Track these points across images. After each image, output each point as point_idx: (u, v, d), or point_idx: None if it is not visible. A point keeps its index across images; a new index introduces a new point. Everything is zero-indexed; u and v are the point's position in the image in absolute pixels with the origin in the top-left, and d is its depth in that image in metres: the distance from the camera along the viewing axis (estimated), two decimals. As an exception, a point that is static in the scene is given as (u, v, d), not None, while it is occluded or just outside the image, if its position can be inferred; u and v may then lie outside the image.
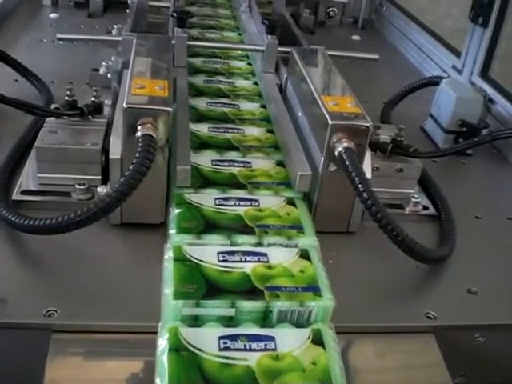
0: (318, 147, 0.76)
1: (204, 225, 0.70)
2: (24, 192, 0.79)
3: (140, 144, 0.66)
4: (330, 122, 0.72)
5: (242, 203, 0.74)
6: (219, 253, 0.65)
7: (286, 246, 0.69)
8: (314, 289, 0.63)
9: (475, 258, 0.80)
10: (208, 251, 0.65)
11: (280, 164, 0.82)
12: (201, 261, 0.64)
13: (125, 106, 0.69)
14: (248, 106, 0.95)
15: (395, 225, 0.68)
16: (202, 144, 0.84)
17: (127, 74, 0.80)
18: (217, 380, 0.54)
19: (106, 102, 0.89)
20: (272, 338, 0.58)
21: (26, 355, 0.65)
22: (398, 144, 0.85)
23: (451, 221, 0.84)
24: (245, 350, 0.57)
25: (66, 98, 0.84)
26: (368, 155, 0.75)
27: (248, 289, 0.62)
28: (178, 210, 0.71)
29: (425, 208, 0.86)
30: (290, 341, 0.58)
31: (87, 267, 0.71)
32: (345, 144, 0.71)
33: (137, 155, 0.65)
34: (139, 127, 0.68)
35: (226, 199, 0.74)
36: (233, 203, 0.73)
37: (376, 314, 0.69)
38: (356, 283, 0.73)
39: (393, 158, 0.86)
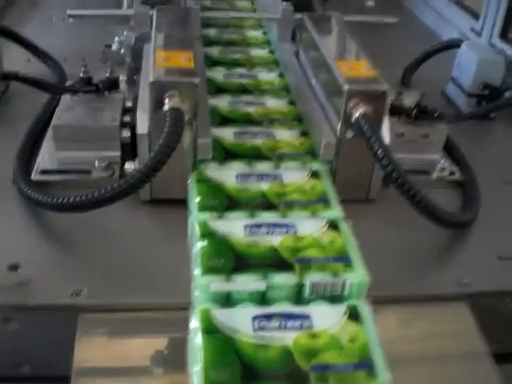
0: (335, 114, 0.74)
1: (227, 202, 0.68)
2: (43, 172, 0.78)
3: (168, 118, 0.65)
4: (345, 87, 0.70)
5: (265, 178, 0.71)
6: (246, 226, 0.64)
7: (314, 219, 0.67)
8: (344, 259, 0.61)
9: (503, 223, 0.79)
10: (234, 225, 0.64)
11: (304, 134, 0.80)
12: (227, 234, 0.62)
13: (151, 79, 0.67)
14: (266, 76, 0.93)
15: (416, 190, 0.66)
16: (223, 119, 0.81)
17: (149, 47, 0.79)
18: (254, 362, 0.52)
19: (120, 77, 0.87)
20: (307, 317, 0.56)
21: (53, 336, 0.64)
22: (423, 108, 0.83)
23: (474, 185, 0.82)
24: (280, 329, 0.55)
25: (81, 74, 0.83)
26: (387, 120, 0.73)
27: (277, 262, 0.60)
28: (198, 187, 0.69)
29: (451, 173, 0.84)
30: (326, 318, 0.56)
31: (115, 245, 0.70)
32: (362, 109, 0.69)
33: (165, 129, 0.64)
34: (166, 100, 0.66)
35: (247, 176, 0.72)
36: (255, 179, 0.71)
37: (405, 282, 0.68)
38: (382, 251, 0.70)
39: (417, 123, 0.83)
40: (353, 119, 0.69)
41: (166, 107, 0.66)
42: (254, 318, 0.55)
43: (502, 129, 1.01)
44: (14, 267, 0.65)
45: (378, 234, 0.74)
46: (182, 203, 0.73)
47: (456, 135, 0.91)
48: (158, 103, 0.67)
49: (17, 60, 1.05)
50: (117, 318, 0.62)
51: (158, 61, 0.71)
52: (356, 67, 0.74)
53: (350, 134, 0.72)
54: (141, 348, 0.61)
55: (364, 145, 0.68)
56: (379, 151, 0.65)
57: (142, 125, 0.71)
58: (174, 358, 0.58)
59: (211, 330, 0.54)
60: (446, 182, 0.84)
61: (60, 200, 0.66)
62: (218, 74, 0.92)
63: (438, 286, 0.68)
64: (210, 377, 0.50)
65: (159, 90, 0.67)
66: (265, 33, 1.10)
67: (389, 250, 0.72)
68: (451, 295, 0.67)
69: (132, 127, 0.76)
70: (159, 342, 0.61)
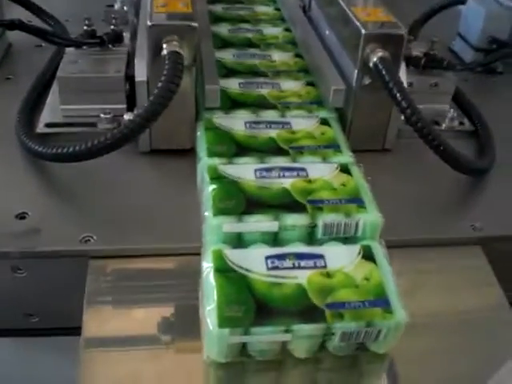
0: (351, 61, 0.73)
1: (235, 148, 0.67)
2: (48, 125, 0.76)
3: (167, 62, 0.63)
4: (363, 31, 0.69)
5: (273, 126, 0.71)
6: (256, 170, 0.63)
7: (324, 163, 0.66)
8: (357, 201, 0.60)
9: (515, 171, 0.78)
10: (244, 169, 0.63)
11: (310, 84, 0.79)
12: (238, 178, 0.62)
13: (149, 23, 0.66)
14: (271, 31, 0.92)
15: (436, 134, 0.65)
16: (228, 71, 0.80)
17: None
18: (268, 299, 0.51)
19: (124, 34, 0.86)
20: (321, 256, 0.56)
21: (63, 285, 0.63)
22: (432, 57, 0.82)
23: (489, 134, 0.81)
24: (294, 268, 0.54)
25: (85, 27, 0.81)
26: (403, 66, 0.72)
27: (289, 203, 0.59)
28: (207, 134, 0.68)
29: (461, 124, 0.83)
30: (340, 258, 0.56)
31: (119, 194, 0.69)
32: (380, 54, 0.68)
33: (164, 73, 0.63)
34: (164, 45, 0.65)
35: (256, 123, 0.71)
36: (264, 126, 0.70)
37: (420, 227, 0.68)
38: (397, 198, 0.71)
39: (426, 73, 0.83)
40: (370, 64, 0.68)
41: (165, 51, 0.65)
42: (267, 258, 0.55)
43: (508, 83, 1.00)
44: (21, 216, 0.64)
45: (394, 182, 0.74)
46: (182, 153, 0.73)
47: (463, 89, 0.90)
48: (156, 49, 0.66)
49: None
50: (128, 263, 0.61)
51: (155, 6, 0.70)
52: (373, 13, 0.73)
53: (367, 81, 0.71)
54: (155, 292, 0.60)
55: (380, 93, 0.68)
56: (398, 94, 0.65)
57: (141, 72, 0.69)
58: (191, 297, 0.57)
59: (224, 268, 0.53)
60: (456, 132, 0.83)
61: (60, 150, 0.64)
62: (223, 29, 0.91)
63: (452, 230, 0.68)
64: (223, 314, 0.50)
65: (157, 35, 0.66)
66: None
67: (404, 198, 0.71)
68: (465, 239, 0.67)
69: (131, 78, 0.75)
70: (174, 286, 0.61)
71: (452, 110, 0.83)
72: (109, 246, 0.62)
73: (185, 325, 0.57)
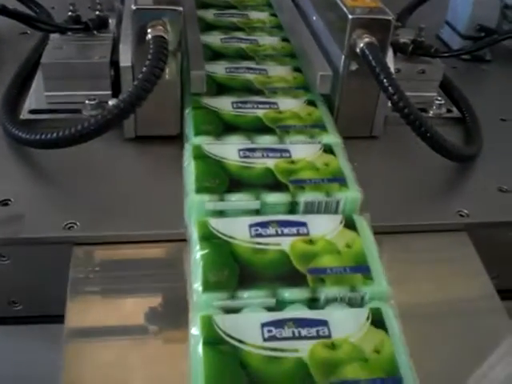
0: (338, 46, 0.72)
1: (222, 127, 0.67)
2: (32, 111, 0.76)
3: (151, 46, 0.63)
4: (349, 16, 0.68)
5: (260, 106, 0.71)
6: (240, 150, 0.63)
7: (309, 143, 0.66)
8: (339, 180, 0.61)
9: (503, 158, 0.78)
10: (228, 148, 0.63)
11: (297, 70, 0.79)
12: (222, 157, 0.62)
13: (133, 7, 0.65)
14: (257, 15, 0.92)
15: (423, 120, 0.65)
16: (214, 54, 0.80)
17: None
18: (251, 264, 0.52)
19: (110, 21, 0.85)
20: (304, 224, 0.56)
21: (48, 270, 0.63)
22: (419, 44, 0.82)
23: (476, 121, 0.81)
24: (277, 235, 0.55)
25: (69, 13, 0.80)
26: (391, 52, 0.72)
27: (271, 183, 0.60)
28: (194, 113, 0.68)
29: (448, 111, 0.83)
30: (322, 226, 0.57)
31: (103, 181, 0.68)
32: (366, 39, 0.67)
33: (149, 57, 0.62)
34: (149, 30, 0.64)
35: (243, 102, 0.71)
36: (251, 106, 0.71)
37: (406, 213, 0.67)
38: (384, 184, 0.70)
39: (414, 60, 0.82)
40: (357, 49, 0.68)
41: (149, 36, 0.64)
42: (251, 226, 0.56)
43: (496, 70, 1.00)
44: (4, 203, 0.63)
45: (381, 169, 0.74)
46: (168, 140, 0.72)
47: (451, 77, 0.89)
48: (140, 33, 0.65)
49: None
50: (112, 249, 0.61)
51: None
52: None
53: (354, 66, 0.71)
54: (139, 279, 0.60)
55: (367, 80, 0.68)
56: (385, 80, 0.64)
57: (125, 57, 0.68)
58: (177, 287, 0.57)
59: (209, 236, 0.54)
60: (443, 119, 0.83)
61: (43, 136, 0.63)
62: (209, 14, 0.90)
63: (438, 216, 0.67)
64: (207, 278, 0.50)
65: (142, 19, 0.65)
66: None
67: (391, 184, 0.71)
68: (451, 225, 0.67)
69: (115, 64, 0.74)
70: (159, 272, 0.61)
71: (440, 98, 0.83)
72: (93, 232, 0.61)
73: (170, 313, 0.56)
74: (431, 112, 0.82)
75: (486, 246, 0.66)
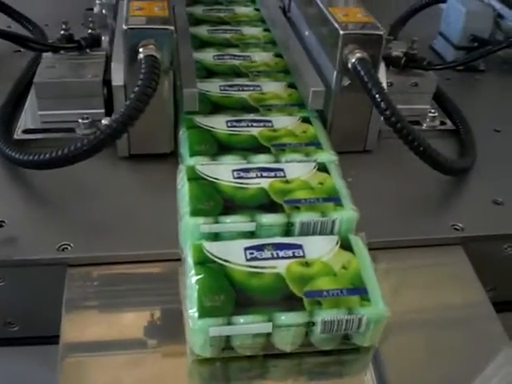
0: (330, 62, 0.72)
1: (217, 147, 0.67)
2: (26, 131, 0.76)
3: (143, 65, 0.63)
4: (341, 32, 0.69)
5: (255, 124, 0.71)
6: (234, 170, 0.63)
7: (304, 162, 0.66)
8: (334, 199, 0.61)
9: (497, 170, 0.78)
10: (222, 169, 0.63)
11: (291, 86, 0.79)
12: (215, 179, 0.62)
13: (124, 27, 0.65)
14: (251, 31, 0.92)
15: (416, 135, 0.65)
16: (208, 72, 0.80)
17: (123, 3, 0.77)
18: (247, 288, 0.52)
19: (103, 38, 0.85)
20: (299, 246, 0.56)
21: (43, 291, 0.63)
22: (412, 57, 0.82)
23: (470, 133, 0.81)
24: (273, 258, 0.55)
25: (62, 32, 0.80)
26: (383, 67, 0.72)
27: (266, 203, 0.60)
28: (189, 133, 0.68)
29: (442, 123, 0.83)
30: (318, 247, 0.57)
31: (97, 201, 0.68)
32: (358, 54, 0.68)
33: (141, 77, 0.62)
34: (141, 49, 0.64)
35: (238, 121, 0.71)
36: (245, 124, 0.70)
37: (401, 228, 0.67)
38: (378, 199, 0.70)
39: (407, 73, 0.82)
40: (349, 65, 0.68)
41: (141, 55, 0.64)
42: (246, 249, 0.55)
43: (490, 80, 1.00)
44: (-2, 224, 0.64)
45: (375, 183, 0.74)
46: (161, 158, 0.73)
47: (444, 87, 0.90)
48: (132, 53, 0.65)
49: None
50: (106, 270, 0.61)
51: (131, 10, 0.69)
52: (351, 14, 0.73)
53: (346, 82, 0.71)
54: (133, 299, 0.60)
55: (360, 94, 0.68)
56: (377, 96, 0.64)
57: (118, 76, 0.69)
58: (167, 320, 0.57)
59: (204, 260, 0.54)
60: (437, 131, 0.83)
61: (36, 156, 0.63)
62: (202, 30, 0.91)
63: (433, 231, 0.67)
64: (203, 304, 0.50)
65: (133, 38, 0.65)
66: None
67: (386, 199, 0.71)
68: (447, 239, 0.67)
69: (108, 83, 0.74)
70: (153, 291, 0.61)
71: (433, 110, 0.83)
72: (86, 253, 0.61)
73: (166, 330, 0.56)
74: (425, 124, 0.82)
75: (481, 259, 0.66)
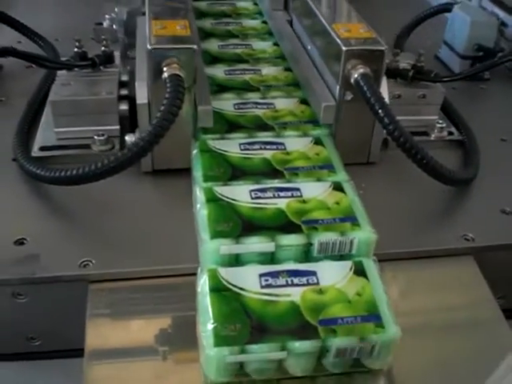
0: (333, 77, 0.74)
1: (231, 171, 0.68)
2: (43, 148, 0.77)
3: (168, 85, 0.64)
4: (343, 48, 0.70)
5: (267, 147, 0.71)
6: (251, 191, 0.64)
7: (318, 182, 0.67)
8: (351, 219, 0.61)
9: (504, 179, 0.79)
10: (239, 190, 0.64)
11: (304, 102, 0.80)
12: (233, 200, 0.63)
13: (149, 47, 0.67)
14: (260, 45, 0.93)
15: (419, 148, 0.66)
16: (220, 87, 0.82)
17: (143, 19, 0.78)
18: (262, 317, 0.53)
19: (115, 53, 0.87)
20: (313, 273, 0.57)
21: (64, 306, 0.64)
22: (419, 70, 0.83)
23: (474, 143, 0.82)
24: (287, 285, 0.55)
25: (76, 49, 0.82)
26: (385, 81, 0.73)
27: (284, 224, 0.61)
28: (202, 158, 0.69)
29: (450, 134, 0.85)
30: (332, 274, 0.57)
31: (119, 216, 0.69)
32: (361, 70, 0.69)
33: (166, 96, 0.64)
34: (165, 68, 0.66)
35: (251, 144, 0.72)
36: (258, 147, 0.71)
37: (412, 239, 0.68)
38: (387, 211, 0.72)
39: (414, 85, 0.84)
40: (352, 80, 0.69)
41: (165, 74, 0.66)
42: (261, 276, 0.56)
43: (495, 89, 1.02)
44: (20, 242, 0.65)
45: (382, 194, 0.75)
46: (183, 172, 0.74)
47: (450, 96, 0.91)
48: (156, 71, 0.67)
49: (7, 41, 1.03)
50: (128, 285, 0.62)
51: (154, 29, 0.71)
52: (353, 29, 0.74)
53: (349, 96, 0.72)
54: (155, 314, 0.61)
55: (363, 107, 0.69)
56: (380, 111, 0.66)
57: (142, 95, 0.70)
58: (184, 330, 0.58)
59: (219, 288, 0.55)
60: (445, 141, 0.84)
61: (64, 173, 0.65)
62: (212, 45, 0.92)
63: (444, 241, 0.68)
64: (219, 333, 0.51)
65: (158, 58, 0.67)
66: (255, 3, 1.09)
67: (393, 210, 0.72)
68: (457, 250, 0.68)
69: (130, 100, 0.76)
70: (174, 308, 0.62)
71: (441, 121, 0.84)
72: (108, 269, 0.62)
73: (186, 347, 0.57)
74: (433, 135, 0.84)
75: (492, 268, 0.67)
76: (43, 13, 1.23)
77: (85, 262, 0.62)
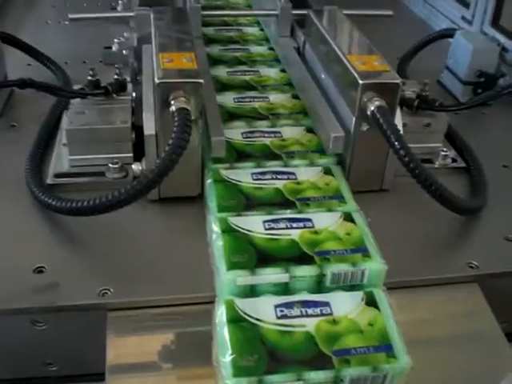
0: (348, 108, 0.76)
1: (244, 201, 0.70)
2: (57, 175, 0.79)
3: (176, 118, 0.66)
4: (360, 81, 0.72)
5: (279, 177, 0.74)
6: (264, 221, 0.66)
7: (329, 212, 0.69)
8: (362, 250, 0.64)
9: (507, 206, 0.81)
10: (253, 220, 0.66)
11: (310, 131, 0.82)
12: (248, 231, 0.65)
13: (157, 81, 0.69)
14: (268, 72, 0.95)
15: (433, 180, 0.68)
16: (229, 115, 0.84)
17: (149, 48, 0.80)
18: (278, 347, 0.55)
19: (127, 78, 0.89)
20: (327, 303, 0.59)
21: (82, 333, 0.66)
22: (424, 99, 0.85)
23: (481, 171, 0.84)
24: (302, 316, 0.58)
25: (89, 77, 0.83)
26: (399, 112, 0.76)
27: (298, 255, 0.63)
28: (216, 188, 0.71)
29: (453, 161, 0.87)
30: (345, 304, 0.59)
31: (131, 244, 0.71)
32: (377, 102, 0.71)
33: (174, 129, 0.65)
34: (172, 101, 0.68)
35: (262, 173, 0.74)
36: (270, 177, 0.74)
37: (418, 267, 0.70)
38: (395, 238, 0.73)
39: (419, 113, 0.86)
40: (368, 112, 0.72)
41: (173, 108, 0.67)
42: (276, 307, 0.58)
43: (497, 114, 1.04)
44: (39, 270, 0.66)
45: (391, 222, 0.76)
46: (189, 200, 0.76)
47: (452, 120, 0.92)
48: (163, 104, 0.69)
49: (17, 64, 1.06)
50: (145, 313, 0.64)
51: (161, 62, 0.72)
52: (368, 61, 0.76)
53: (365, 127, 0.74)
54: (172, 342, 0.62)
55: (377, 137, 0.71)
56: (396, 143, 0.68)
57: (149, 125, 0.72)
58: (199, 352, 0.60)
59: (236, 319, 0.57)
60: (449, 169, 0.86)
61: (75, 204, 0.66)
62: (221, 71, 0.94)
63: (448, 269, 0.70)
64: (237, 363, 0.53)
65: (165, 91, 0.69)
66: (262, 29, 1.11)
67: (402, 238, 0.74)
68: (462, 278, 0.70)
69: (137, 128, 0.78)
70: (184, 337, 0.63)
71: (445, 149, 0.86)
72: (126, 298, 0.64)
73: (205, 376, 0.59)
74: (437, 163, 0.86)
75: (495, 293, 0.69)
76: (51, 35, 1.25)
77: (103, 291, 0.64)
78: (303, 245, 0.64)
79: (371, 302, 0.60)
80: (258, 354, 0.54)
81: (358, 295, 0.60)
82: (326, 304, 0.59)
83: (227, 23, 1.12)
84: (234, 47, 1.03)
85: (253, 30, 1.11)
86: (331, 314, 0.58)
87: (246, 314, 0.57)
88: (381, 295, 0.61)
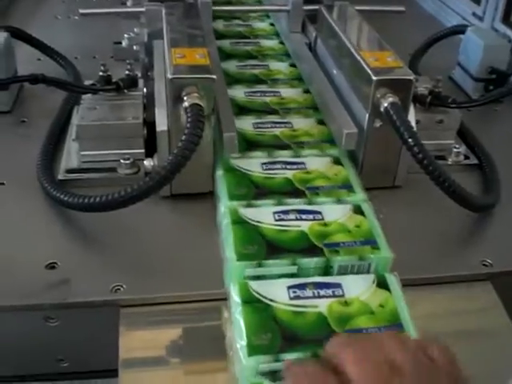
0: (361, 104, 0.75)
1: (254, 190, 0.70)
2: (69, 171, 0.79)
3: (189, 114, 0.66)
4: (373, 77, 0.72)
5: (288, 167, 0.74)
6: (274, 212, 0.66)
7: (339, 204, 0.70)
8: (371, 242, 0.64)
9: (522, 203, 0.80)
10: (263, 212, 0.67)
11: (320, 122, 0.82)
12: (258, 222, 0.65)
13: (170, 76, 0.68)
14: (277, 66, 0.95)
15: (447, 176, 0.68)
16: (240, 109, 0.84)
17: (160, 44, 0.80)
18: (292, 328, 0.56)
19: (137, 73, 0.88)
20: (339, 285, 0.60)
21: (95, 330, 0.66)
22: (437, 95, 0.85)
23: (494, 168, 0.84)
24: (314, 297, 0.58)
25: (101, 73, 0.83)
26: (412, 109, 0.75)
27: (307, 247, 0.63)
28: (227, 177, 0.72)
29: (466, 157, 0.86)
30: (356, 286, 0.60)
31: (143, 241, 0.71)
32: (390, 99, 0.71)
33: (187, 125, 0.65)
34: (185, 97, 0.68)
35: (272, 163, 0.74)
36: (280, 167, 0.74)
37: (431, 265, 0.70)
38: (408, 235, 0.73)
39: (432, 110, 0.86)
40: (381, 109, 0.71)
41: (186, 104, 0.67)
42: (289, 288, 0.59)
43: (509, 111, 1.03)
44: (51, 266, 0.66)
45: (404, 219, 0.76)
46: (201, 197, 0.76)
47: (465, 118, 0.91)
48: (176, 100, 0.69)
49: (27, 59, 1.05)
50: (158, 309, 0.64)
51: (173, 58, 0.72)
52: (381, 58, 0.76)
53: (378, 124, 0.74)
54: (179, 339, 0.62)
55: (390, 133, 0.71)
56: (410, 140, 0.68)
57: (161, 121, 0.72)
58: (210, 347, 0.60)
59: (250, 299, 0.58)
60: (462, 165, 0.86)
61: (88, 200, 0.66)
62: (231, 66, 0.94)
63: (462, 267, 0.70)
64: (252, 343, 0.54)
65: (177, 87, 0.68)
66: (272, 24, 1.11)
67: (415, 234, 0.74)
68: (476, 275, 0.69)
69: (148, 124, 0.78)
70: (195, 333, 0.63)
71: (458, 145, 0.86)
72: (139, 294, 0.64)
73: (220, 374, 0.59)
74: (450, 160, 0.85)
75: (510, 293, 0.69)
76: (61, 30, 1.25)
77: (116, 287, 0.64)
78: (312, 237, 0.64)
79: (382, 284, 0.60)
80: (271, 333, 0.55)
81: (370, 278, 0.61)
82: (338, 286, 0.60)
83: (237, 18, 1.12)
84: (245, 41, 1.03)
85: (263, 25, 1.10)
86: (343, 295, 0.59)
87: (259, 294, 0.58)
88: (392, 278, 0.61)
